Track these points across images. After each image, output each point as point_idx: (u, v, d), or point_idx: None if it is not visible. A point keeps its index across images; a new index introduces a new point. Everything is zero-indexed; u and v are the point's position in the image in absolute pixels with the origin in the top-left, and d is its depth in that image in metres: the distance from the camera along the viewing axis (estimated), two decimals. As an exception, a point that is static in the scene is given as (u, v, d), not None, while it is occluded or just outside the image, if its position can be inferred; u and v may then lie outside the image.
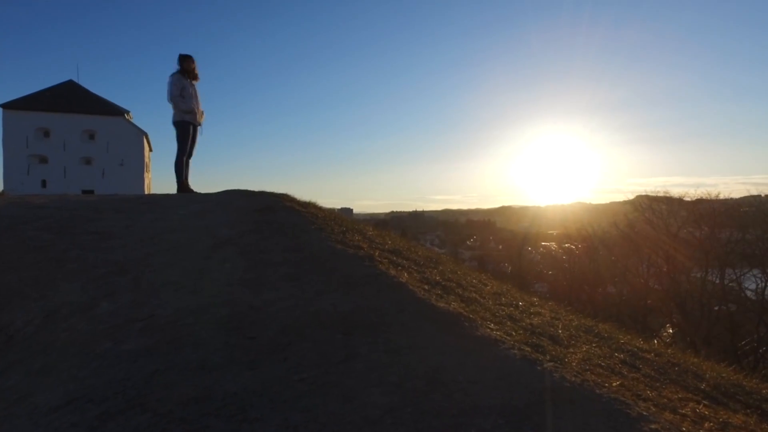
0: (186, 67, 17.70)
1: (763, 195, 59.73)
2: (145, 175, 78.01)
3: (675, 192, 57.99)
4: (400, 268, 8.88)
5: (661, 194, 55.77)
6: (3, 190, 65.67)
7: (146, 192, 71.75)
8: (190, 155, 18.45)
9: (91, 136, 75.18)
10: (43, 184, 72.19)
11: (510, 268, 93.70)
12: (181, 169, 18.05)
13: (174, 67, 17.50)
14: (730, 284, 46.38)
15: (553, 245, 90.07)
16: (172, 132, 17.94)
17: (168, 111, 17.97)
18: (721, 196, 53.39)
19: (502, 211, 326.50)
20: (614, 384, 5.34)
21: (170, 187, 20.42)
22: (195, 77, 17.96)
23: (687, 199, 54.88)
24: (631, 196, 63.61)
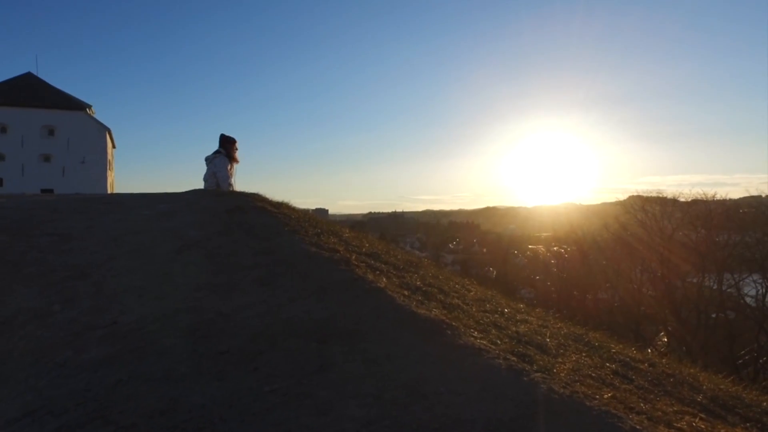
0: (231, 153, 17.74)
1: (763, 195, 59.62)
2: (108, 173, 77.66)
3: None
4: (378, 272, 8.89)
5: (654, 194, 55.81)
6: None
7: (109, 191, 71.46)
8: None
9: (51, 132, 74.75)
10: (0, 182, 71.76)
11: (495, 273, 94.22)
12: None
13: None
14: (729, 290, 46.27)
15: (541, 248, 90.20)
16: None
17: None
18: (718, 196, 53.43)
19: (487, 212, 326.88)
20: (605, 396, 5.34)
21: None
22: (236, 161, 18.02)
23: (682, 199, 54.86)
24: (622, 197, 63.77)
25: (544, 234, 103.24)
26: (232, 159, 17.51)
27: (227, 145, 17.53)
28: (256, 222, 11.08)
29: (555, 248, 72.66)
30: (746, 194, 63.04)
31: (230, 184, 17.06)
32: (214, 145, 17.43)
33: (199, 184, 17.12)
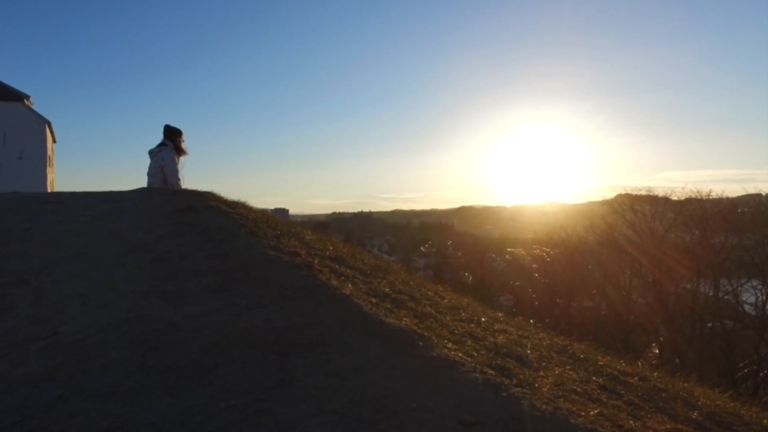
0: (178, 145, 17.55)
1: (763, 193, 59.65)
2: (48, 170, 77.05)
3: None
4: (343, 278, 8.91)
5: (643, 193, 55.77)
6: None
7: (49, 190, 70.79)
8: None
9: (-15, 126, 74.06)
10: (-70, 181, 70.97)
11: (471, 278, 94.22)
12: None
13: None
14: (726, 297, 46.34)
15: (522, 252, 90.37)
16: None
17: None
18: (714, 195, 53.28)
19: (462, 211, 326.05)
20: (592, 413, 5.37)
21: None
22: (185, 153, 17.83)
23: (674, 198, 54.75)
24: (609, 195, 63.78)
25: (525, 236, 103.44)
26: (179, 151, 17.39)
27: (173, 136, 17.39)
28: (209, 223, 11.07)
29: (537, 251, 72.54)
30: (744, 192, 62.99)
31: (179, 179, 16.94)
32: (159, 138, 17.22)
33: (141, 181, 16.95)
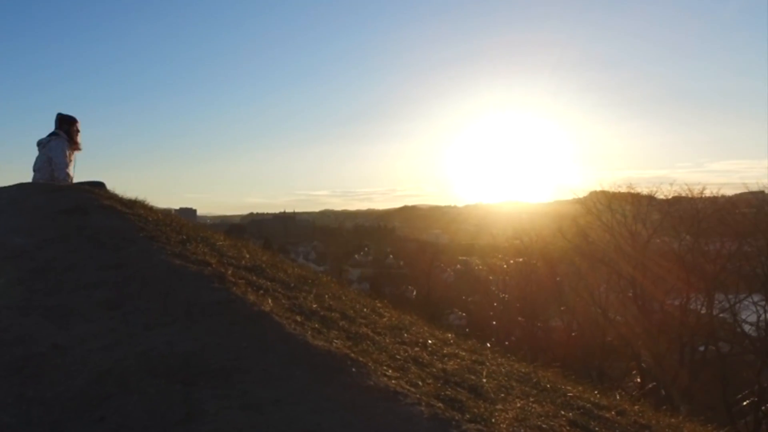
0: (72, 135, 17.50)
1: (766, 191, 59.48)
2: None
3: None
4: (262, 292, 8.94)
5: (623, 189, 55.55)
6: None
7: None
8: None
9: None
10: None
11: (415, 292, 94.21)
12: None
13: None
14: (722, 315, 46.39)
15: (476, 260, 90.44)
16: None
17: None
18: (707, 193, 53.03)
19: (405, 212, 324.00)
20: (558, 452, 5.46)
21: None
22: (78, 147, 17.80)
23: (660, 197, 54.46)
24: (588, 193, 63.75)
25: (481, 241, 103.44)
26: (73, 143, 17.34)
27: (67, 125, 17.35)
28: (101, 226, 11.06)
29: (494, 260, 72.50)
30: (745, 190, 62.67)
31: (68, 174, 16.87)
32: (49, 127, 17.16)
33: (28, 177, 16.87)
